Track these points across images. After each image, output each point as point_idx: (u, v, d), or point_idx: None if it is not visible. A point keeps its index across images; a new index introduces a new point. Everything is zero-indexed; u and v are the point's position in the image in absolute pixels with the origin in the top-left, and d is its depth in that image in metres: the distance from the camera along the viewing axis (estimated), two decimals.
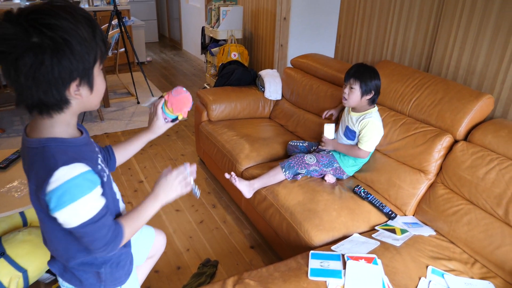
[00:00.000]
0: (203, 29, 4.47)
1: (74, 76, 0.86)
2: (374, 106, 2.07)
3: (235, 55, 3.90)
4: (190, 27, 6.36)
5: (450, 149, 1.89)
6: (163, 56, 6.71)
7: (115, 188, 1.14)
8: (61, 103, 0.89)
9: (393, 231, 1.80)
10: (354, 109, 2.08)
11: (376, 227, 1.84)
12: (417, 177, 1.95)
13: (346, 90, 2.02)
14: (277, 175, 2.10)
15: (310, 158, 2.09)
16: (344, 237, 1.77)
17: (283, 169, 2.08)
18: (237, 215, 2.57)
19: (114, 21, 4.18)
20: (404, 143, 2.03)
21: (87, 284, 1.09)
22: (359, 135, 2.04)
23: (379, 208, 1.93)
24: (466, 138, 1.89)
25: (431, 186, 1.92)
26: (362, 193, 1.99)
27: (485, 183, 1.69)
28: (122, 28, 3.72)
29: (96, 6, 5.27)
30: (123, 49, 4.21)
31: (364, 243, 1.70)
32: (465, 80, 2.12)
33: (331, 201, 1.93)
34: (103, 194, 0.96)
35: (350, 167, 2.13)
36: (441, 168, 1.91)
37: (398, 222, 1.88)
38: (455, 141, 1.90)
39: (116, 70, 4.52)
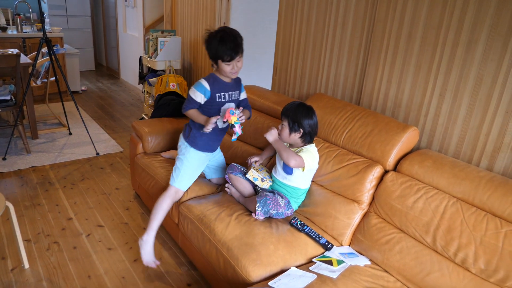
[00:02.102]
0: (140, 58, 4.38)
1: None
2: (311, 144, 2.06)
3: (173, 85, 3.85)
4: (128, 56, 6.23)
5: (381, 179, 1.96)
6: (99, 85, 6.47)
7: None
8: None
9: (330, 262, 1.80)
10: (291, 146, 2.11)
11: (313, 259, 1.83)
12: (351, 207, 1.99)
13: (280, 127, 2.06)
14: (250, 204, 2.06)
15: (282, 201, 2.04)
16: (282, 271, 1.74)
17: (258, 204, 1.98)
18: (174, 251, 2.45)
19: (45, 49, 3.98)
20: (338, 174, 2.07)
21: (184, 131, 2.27)
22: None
23: (316, 239, 1.93)
24: (395, 168, 1.98)
25: (365, 216, 1.97)
26: (298, 225, 1.99)
27: (414, 211, 1.76)
28: (53, 57, 3.53)
29: (26, 32, 5.00)
30: (53, 78, 3.99)
31: (301, 277, 1.67)
32: (393, 113, 2.24)
33: (268, 234, 1.89)
34: None
35: (295, 201, 2.13)
36: (373, 198, 1.97)
37: (334, 253, 1.88)
38: (386, 171, 1.98)
39: (46, 99, 4.26)
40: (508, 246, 1.50)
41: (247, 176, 2.12)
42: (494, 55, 1.78)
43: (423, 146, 2.13)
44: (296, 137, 2.02)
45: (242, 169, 2.25)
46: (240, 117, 2.03)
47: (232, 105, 2.18)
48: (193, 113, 2.15)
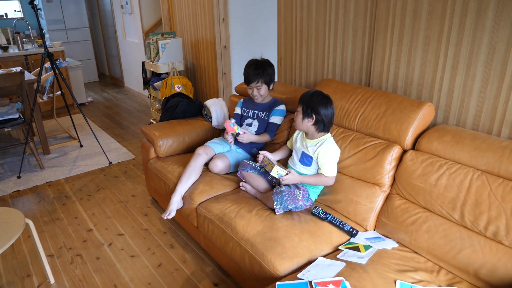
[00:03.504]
0: (143, 64, 4.37)
1: None
2: (327, 133, 2.05)
3: (178, 87, 3.83)
4: (130, 63, 6.23)
5: (401, 159, 1.92)
6: (104, 95, 6.49)
7: None
8: None
9: (357, 248, 1.77)
10: (307, 135, 2.08)
11: (339, 247, 1.80)
12: (373, 190, 1.95)
13: (296, 113, 2.05)
14: (267, 201, 2.04)
15: (299, 193, 2.00)
16: (309, 262, 1.71)
17: (276, 202, 1.96)
18: (197, 252, 2.44)
19: (47, 64, 3.98)
20: (355, 158, 2.03)
21: None
22: (317, 161, 2.03)
23: (340, 226, 1.90)
24: (414, 147, 1.93)
25: (388, 198, 1.93)
26: (321, 214, 1.96)
27: (438, 189, 1.72)
28: (56, 70, 3.53)
29: (27, 49, 5.02)
30: (59, 92, 4.00)
31: (330, 266, 1.64)
32: (404, 91, 2.19)
33: (291, 226, 1.87)
34: None
35: (313, 192, 2.11)
36: (394, 179, 1.93)
37: (360, 239, 1.85)
38: (404, 151, 1.93)
39: (54, 114, 4.28)
40: None
41: (271, 174, 2.01)
42: (505, 20, 1.72)
43: (439, 122, 2.08)
44: (309, 124, 1.99)
45: (253, 165, 2.23)
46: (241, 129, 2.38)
47: (232, 120, 2.39)
48: None
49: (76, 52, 6.95)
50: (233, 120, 2.38)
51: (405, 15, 2.08)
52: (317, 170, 2.06)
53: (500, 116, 1.83)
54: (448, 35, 1.93)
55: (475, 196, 1.61)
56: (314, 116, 1.97)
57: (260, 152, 2.15)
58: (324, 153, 1.99)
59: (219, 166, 2.39)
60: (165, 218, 2.26)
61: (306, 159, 2.05)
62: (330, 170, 2.01)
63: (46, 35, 5.44)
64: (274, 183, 2.19)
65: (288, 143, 2.31)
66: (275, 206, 1.95)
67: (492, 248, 1.55)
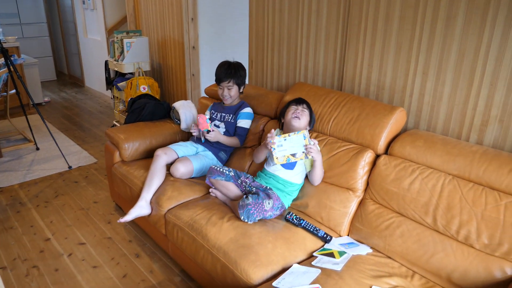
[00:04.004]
0: (106, 63, 4.19)
1: None
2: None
3: (144, 88, 3.69)
4: (91, 62, 5.97)
5: (374, 164, 1.92)
6: (63, 95, 6.18)
7: None
8: None
9: (331, 255, 1.74)
10: (289, 129, 2.08)
11: (314, 254, 1.77)
12: (346, 195, 1.94)
13: (298, 110, 2.05)
14: (237, 212, 1.94)
15: (268, 204, 1.91)
16: (284, 270, 1.67)
17: (242, 217, 1.87)
18: (164, 261, 2.33)
19: (1, 60, 3.72)
20: (329, 163, 2.01)
21: None
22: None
23: (314, 232, 1.87)
24: (387, 151, 1.94)
25: (361, 203, 1.92)
26: (294, 220, 1.92)
27: (411, 193, 1.72)
28: (11, 67, 3.30)
29: None
30: (13, 91, 3.75)
31: (305, 273, 1.60)
32: (377, 96, 2.20)
33: (265, 233, 1.82)
34: None
35: (289, 199, 2.06)
36: (368, 184, 1.92)
37: (334, 245, 1.83)
38: (377, 156, 1.94)
39: (7, 114, 4.00)
40: (510, 218, 1.49)
41: (276, 162, 1.92)
42: (474, 28, 1.76)
43: (410, 126, 2.10)
44: (307, 126, 2.10)
45: (221, 170, 2.14)
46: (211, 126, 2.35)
47: (207, 116, 2.45)
48: None
49: (32, 49, 6.58)
50: (207, 116, 2.38)
51: (377, 20, 2.10)
52: (301, 173, 2.02)
53: (468, 121, 1.87)
54: (419, 41, 1.96)
55: (447, 201, 1.63)
56: (312, 121, 2.12)
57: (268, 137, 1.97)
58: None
59: (180, 170, 2.31)
60: (118, 221, 2.18)
61: (290, 163, 2.00)
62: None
63: None
64: (245, 190, 2.11)
65: None
66: (242, 220, 1.89)
67: (464, 252, 1.57)
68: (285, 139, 1.89)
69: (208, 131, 2.32)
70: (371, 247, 1.81)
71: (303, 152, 1.88)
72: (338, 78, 2.39)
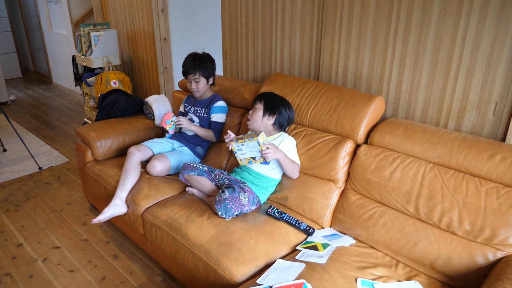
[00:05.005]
0: (73, 58, 4.01)
1: None
2: (283, 132, 2.02)
3: (115, 83, 3.56)
4: (58, 57, 5.73)
5: (354, 154, 1.90)
6: (30, 93, 5.91)
7: None
8: None
9: (315, 248, 1.72)
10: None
11: (297, 247, 1.74)
12: (328, 187, 1.92)
13: (250, 112, 1.98)
14: (214, 207, 1.88)
15: (244, 198, 1.87)
16: (268, 266, 1.63)
17: (220, 212, 1.81)
18: (144, 261, 2.26)
19: None
20: (309, 155, 1.98)
21: None
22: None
23: (296, 226, 1.84)
24: (366, 141, 1.92)
25: (343, 194, 1.90)
26: (276, 213, 1.88)
27: (393, 183, 1.71)
28: None
29: None
30: None
31: (290, 268, 1.57)
32: (354, 85, 2.18)
33: (246, 229, 1.77)
34: None
35: (264, 193, 2.01)
36: (349, 175, 1.90)
37: (317, 237, 1.81)
38: (357, 146, 1.92)
39: None
40: (490, 204, 1.49)
41: (258, 139, 1.80)
42: (450, 15, 1.75)
43: (389, 115, 2.09)
44: (268, 122, 1.94)
45: (194, 165, 2.09)
46: (175, 122, 2.32)
47: (171, 114, 2.34)
48: None
49: None
50: (171, 115, 2.33)
51: (353, 8, 2.06)
52: (278, 169, 1.99)
53: (446, 109, 1.88)
54: (396, 29, 1.94)
55: (428, 189, 1.63)
56: (276, 114, 1.94)
57: (229, 131, 1.96)
58: (289, 148, 1.96)
59: (157, 168, 2.23)
60: (92, 222, 2.07)
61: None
62: (298, 161, 1.98)
63: None
64: (219, 184, 2.06)
65: None
66: (220, 215, 1.84)
67: (447, 239, 1.57)
68: (242, 144, 1.87)
69: (167, 131, 2.36)
70: (354, 238, 1.80)
71: (261, 156, 1.86)
72: (315, 67, 2.35)
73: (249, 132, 2.03)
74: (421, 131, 1.76)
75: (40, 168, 3.39)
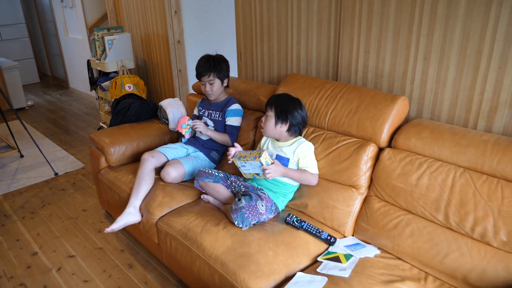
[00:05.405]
0: (88, 62, 4.00)
1: None
2: (300, 137, 1.93)
3: (130, 87, 3.52)
4: (75, 62, 5.75)
5: (377, 158, 1.79)
6: (47, 98, 5.96)
7: None
8: None
9: (337, 259, 1.62)
10: (279, 140, 1.92)
11: (318, 258, 1.64)
12: (349, 193, 1.82)
13: (263, 119, 1.88)
14: (230, 216, 1.80)
15: (262, 206, 1.78)
16: (287, 279, 1.54)
17: (236, 221, 1.73)
18: (159, 271, 2.20)
19: None
20: (329, 159, 1.88)
21: None
22: (298, 163, 1.87)
23: (317, 235, 1.74)
24: (390, 144, 1.81)
25: (366, 201, 1.80)
26: (295, 222, 1.79)
27: (420, 189, 1.60)
28: None
29: None
30: None
31: (311, 283, 1.48)
32: (375, 84, 2.07)
33: (264, 239, 1.69)
34: None
35: (282, 200, 1.92)
36: (371, 180, 1.80)
37: (339, 247, 1.71)
38: (380, 149, 1.81)
39: None
40: None
41: (260, 160, 1.77)
42: (479, 6, 1.63)
43: (412, 116, 1.98)
44: (282, 129, 1.84)
45: (209, 172, 2.01)
46: (192, 126, 2.28)
47: (186, 118, 2.32)
48: None
49: (11, 51, 6.33)
50: (187, 119, 2.31)
51: (373, 2, 1.95)
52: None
53: (476, 108, 1.75)
54: (419, 23, 1.82)
55: (459, 196, 1.51)
56: (289, 120, 1.83)
57: (231, 148, 1.93)
58: (306, 153, 1.86)
59: (171, 174, 2.16)
60: (106, 231, 2.02)
61: (281, 162, 1.87)
62: (315, 168, 1.87)
63: None
64: (235, 191, 1.98)
65: None
66: (236, 225, 1.76)
67: (481, 251, 1.45)
68: (245, 162, 1.84)
69: (183, 136, 2.34)
70: (379, 248, 1.69)
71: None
72: (333, 66, 2.25)
73: (263, 139, 2.00)
74: (449, 133, 1.64)
75: (56, 174, 3.38)
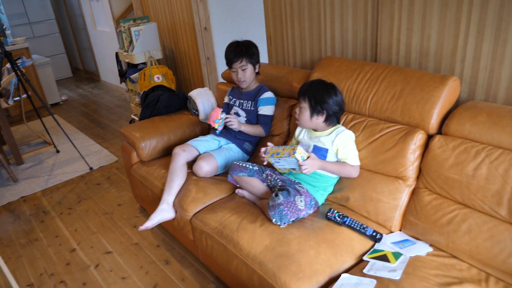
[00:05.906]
0: (117, 54, 3.98)
1: None
2: (338, 126, 1.80)
3: (158, 78, 3.47)
4: (104, 55, 5.78)
5: (426, 147, 1.63)
6: (80, 92, 6.05)
7: None
8: None
9: (385, 258, 1.49)
10: (316, 130, 1.79)
11: (364, 258, 1.52)
12: (396, 185, 1.67)
13: (297, 110, 1.76)
14: (267, 212, 1.70)
15: (301, 201, 1.68)
16: (331, 280, 1.44)
17: (274, 219, 1.63)
18: (196, 267, 2.15)
19: (9, 65, 3.56)
20: (371, 149, 1.74)
21: None
22: (337, 153, 1.75)
23: (361, 231, 1.62)
24: (440, 131, 1.64)
25: (414, 194, 1.65)
26: (337, 217, 1.67)
27: (477, 180, 1.43)
28: (18, 71, 3.13)
29: None
30: (25, 95, 3.60)
31: (358, 286, 1.36)
32: (420, 65, 1.89)
33: (305, 237, 1.58)
34: None
35: (322, 194, 1.81)
36: (420, 171, 1.64)
37: (386, 244, 1.58)
38: (430, 137, 1.64)
39: (23, 119, 3.88)
40: None
41: (295, 156, 1.65)
42: None
43: (463, 98, 1.79)
44: (318, 120, 1.71)
45: (244, 165, 1.91)
46: (224, 120, 2.15)
47: (219, 110, 2.18)
48: None
49: (44, 48, 6.45)
50: (220, 111, 2.16)
51: None
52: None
53: None
54: None
55: None
56: (325, 112, 1.70)
57: (262, 148, 1.83)
58: (346, 143, 1.72)
59: (204, 168, 2.08)
60: (140, 229, 1.99)
61: (319, 153, 1.74)
62: (355, 159, 1.74)
63: (8, 31, 4.97)
64: (271, 185, 1.87)
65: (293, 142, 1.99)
66: (274, 223, 1.65)
67: None
68: (279, 159, 1.72)
69: (215, 129, 2.22)
70: (431, 245, 1.55)
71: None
72: (372, 47, 2.07)
73: (298, 129, 1.90)
74: (510, 116, 1.45)
75: (90, 168, 3.40)
